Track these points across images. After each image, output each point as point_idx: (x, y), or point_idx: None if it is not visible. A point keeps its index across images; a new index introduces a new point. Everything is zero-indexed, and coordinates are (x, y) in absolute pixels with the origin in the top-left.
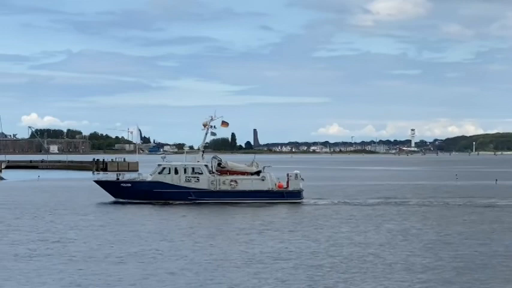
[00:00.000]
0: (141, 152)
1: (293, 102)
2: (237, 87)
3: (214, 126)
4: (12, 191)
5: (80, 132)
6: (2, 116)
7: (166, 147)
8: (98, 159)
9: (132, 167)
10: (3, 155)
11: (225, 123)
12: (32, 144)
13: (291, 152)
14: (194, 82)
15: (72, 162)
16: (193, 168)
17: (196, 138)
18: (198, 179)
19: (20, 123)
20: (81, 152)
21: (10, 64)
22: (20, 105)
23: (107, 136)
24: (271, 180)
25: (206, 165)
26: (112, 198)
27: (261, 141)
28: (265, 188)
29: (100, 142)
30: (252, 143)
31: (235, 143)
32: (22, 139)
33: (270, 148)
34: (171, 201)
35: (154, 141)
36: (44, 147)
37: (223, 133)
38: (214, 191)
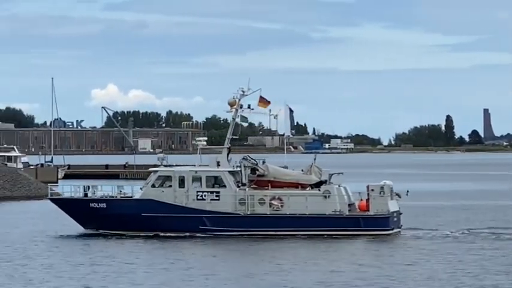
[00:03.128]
0: (292, 149)
1: None
2: (455, 38)
3: (249, 106)
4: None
5: (189, 117)
6: (58, 92)
7: (334, 142)
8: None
9: None
10: (61, 156)
11: (263, 101)
12: (108, 136)
13: None
14: (381, 30)
15: (178, 166)
16: (213, 178)
17: (385, 127)
18: (217, 196)
19: (88, 102)
20: (192, 149)
21: (74, 2)
22: (88, 72)
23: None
24: (342, 197)
25: (232, 172)
26: (80, 228)
27: (497, 131)
28: (330, 211)
29: (222, 133)
30: (482, 133)
31: (453, 134)
32: (92, 129)
33: None
34: (171, 233)
35: (315, 132)
36: (128, 142)
37: (427, 119)
38: (244, 216)
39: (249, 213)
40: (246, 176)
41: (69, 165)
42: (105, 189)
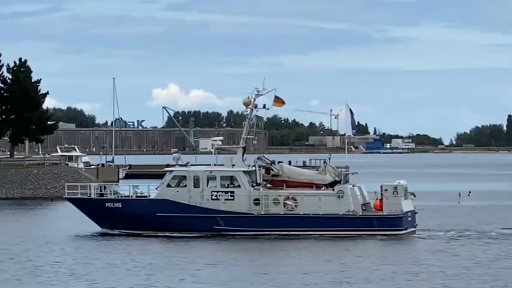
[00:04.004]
0: (353, 149)
1: None
2: None
3: (264, 106)
4: None
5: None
6: (119, 92)
7: (395, 141)
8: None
9: None
10: (123, 156)
11: (278, 101)
12: (169, 136)
13: None
14: (443, 30)
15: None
16: (227, 178)
17: (446, 127)
18: (232, 196)
19: (149, 102)
20: (253, 149)
21: (135, 2)
22: (149, 72)
23: (294, 123)
24: (355, 196)
25: (247, 172)
26: (97, 228)
27: None
28: (344, 211)
29: (284, 133)
30: None
31: None
32: (153, 129)
33: None
34: (185, 233)
35: (376, 132)
36: (189, 142)
37: (488, 118)
38: (258, 216)
39: (263, 213)
40: (261, 176)
41: (130, 165)
42: (121, 189)
